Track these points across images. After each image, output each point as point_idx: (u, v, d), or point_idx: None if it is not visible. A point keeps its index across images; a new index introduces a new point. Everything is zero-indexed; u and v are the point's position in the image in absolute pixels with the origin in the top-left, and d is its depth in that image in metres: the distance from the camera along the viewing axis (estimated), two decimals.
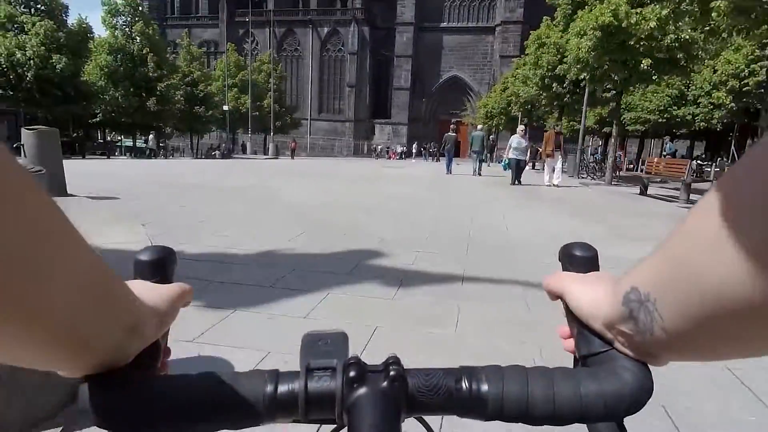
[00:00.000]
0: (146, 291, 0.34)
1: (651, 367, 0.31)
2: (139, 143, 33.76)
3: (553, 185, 12.85)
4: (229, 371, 0.32)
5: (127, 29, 29.62)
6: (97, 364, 0.29)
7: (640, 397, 0.30)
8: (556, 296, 0.38)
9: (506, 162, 14.47)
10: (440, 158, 35.66)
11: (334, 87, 60.21)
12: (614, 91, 15.97)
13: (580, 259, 0.39)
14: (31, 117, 21.22)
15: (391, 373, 0.31)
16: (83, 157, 25.97)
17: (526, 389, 0.30)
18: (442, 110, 59.44)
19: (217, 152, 31.02)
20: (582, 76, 15.30)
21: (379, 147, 53.99)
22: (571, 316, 0.36)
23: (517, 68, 30.31)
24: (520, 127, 15.12)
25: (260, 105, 43.67)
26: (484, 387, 0.31)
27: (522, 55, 30.68)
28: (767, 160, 0.19)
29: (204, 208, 7.00)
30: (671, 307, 0.25)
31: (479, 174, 16.69)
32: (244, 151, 42.28)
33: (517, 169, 13.61)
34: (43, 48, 24.40)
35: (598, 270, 0.39)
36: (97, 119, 29.57)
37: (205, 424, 0.30)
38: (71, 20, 27.76)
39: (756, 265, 0.19)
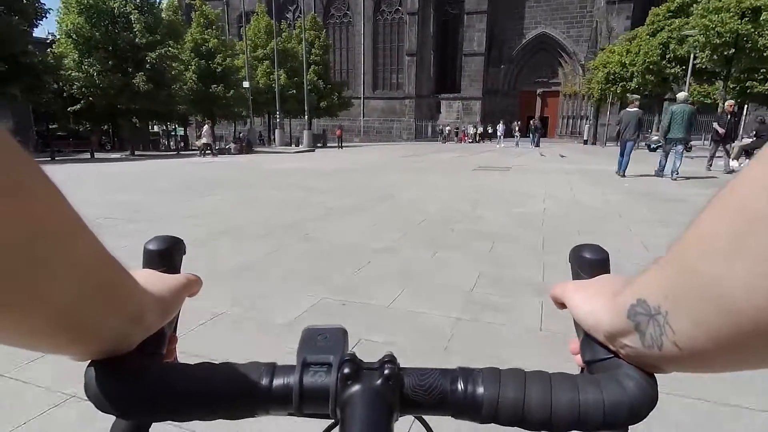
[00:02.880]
0: (151, 280, 0.34)
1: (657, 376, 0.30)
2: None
3: None
4: (228, 362, 0.33)
5: None
6: (101, 350, 0.29)
7: (642, 407, 0.29)
8: (561, 305, 0.37)
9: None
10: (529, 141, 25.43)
11: (390, 57, 50.31)
12: None
13: (588, 261, 0.38)
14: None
15: (386, 371, 0.31)
16: (52, 159, 18.70)
17: (523, 393, 0.30)
18: (526, 79, 47.70)
19: (232, 145, 22.60)
20: None
21: (447, 128, 43.68)
22: (577, 322, 0.35)
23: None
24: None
25: (299, 82, 35.12)
26: (480, 389, 0.31)
27: None
28: None
29: None
30: (685, 320, 0.24)
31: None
32: (263, 142, 33.94)
33: None
34: None
35: (608, 272, 0.37)
36: (79, 106, 22.10)
37: (201, 413, 0.31)
38: None
39: None
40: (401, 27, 48.47)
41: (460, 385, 0.31)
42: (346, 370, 0.31)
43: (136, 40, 21.51)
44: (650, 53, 19.95)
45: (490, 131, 42.80)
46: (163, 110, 24.57)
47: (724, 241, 0.20)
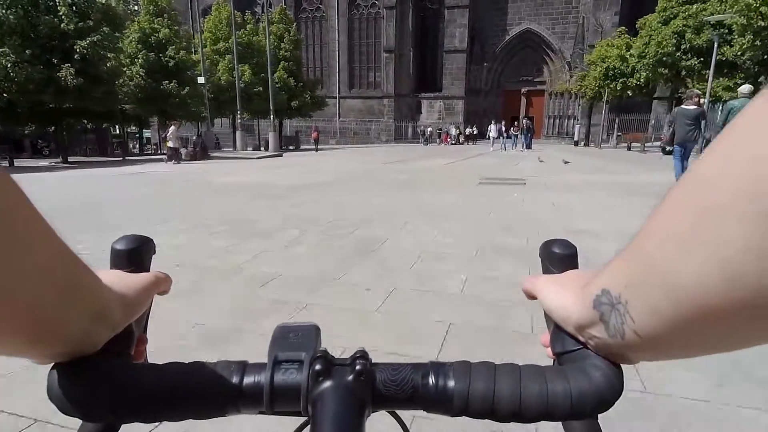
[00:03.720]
0: (116, 279, 0.34)
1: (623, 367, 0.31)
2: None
3: None
4: (198, 362, 0.32)
5: None
6: (64, 351, 0.29)
7: (607, 396, 0.30)
8: (531, 297, 0.38)
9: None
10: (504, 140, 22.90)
11: (367, 55, 47.39)
12: None
13: (558, 256, 0.39)
14: None
15: (357, 367, 0.31)
16: None
17: (493, 386, 0.31)
18: (509, 78, 45.49)
19: (183, 150, 19.24)
20: None
21: (429, 129, 41.01)
22: (548, 315, 0.36)
23: None
24: None
25: (267, 79, 31.82)
26: (451, 383, 0.31)
27: None
28: (742, 153, 0.18)
29: None
30: (643, 309, 0.24)
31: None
32: (219, 146, 30.69)
33: None
34: None
35: (576, 268, 0.38)
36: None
37: (170, 413, 0.30)
38: None
39: (730, 267, 0.18)
40: (378, 22, 45.60)
41: (431, 379, 0.31)
42: (318, 367, 0.30)
43: (62, 25, 17.93)
44: (664, 43, 17.65)
45: (475, 132, 40.34)
46: (102, 110, 20.94)
47: (677, 231, 0.20)
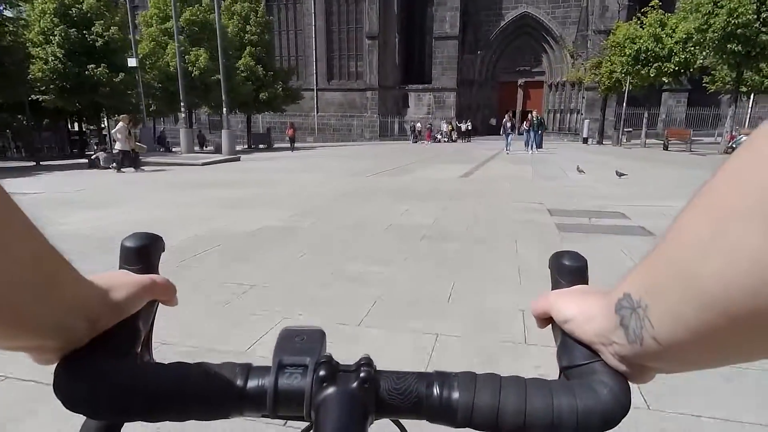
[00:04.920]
0: (108, 278, 0.34)
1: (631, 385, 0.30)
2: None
3: None
4: (202, 362, 0.32)
5: None
6: (44, 345, 0.29)
7: (614, 414, 0.29)
8: (544, 317, 0.36)
9: None
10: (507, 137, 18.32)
11: (348, 42, 42.54)
12: None
13: (568, 268, 0.38)
14: None
15: (362, 374, 0.31)
16: None
17: (498, 399, 0.30)
18: (506, 68, 41.27)
19: (101, 155, 14.29)
20: None
21: (418, 125, 36.51)
22: (557, 328, 0.35)
23: None
24: None
25: (232, 66, 26.84)
26: (455, 395, 0.31)
27: None
28: (762, 163, 0.18)
29: None
30: (663, 314, 0.24)
31: None
32: (163, 145, 25.72)
33: None
34: None
35: (586, 281, 0.38)
36: None
37: (172, 413, 0.30)
38: None
39: (756, 274, 0.18)
40: (359, 5, 40.74)
41: (436, 390, 0.31)
42: (322, 372, 0.30)
43: None
44: (741, 11, 13.51)
45: (470, 127, 36.01)
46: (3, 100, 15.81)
47: (701, 236, 0.20)
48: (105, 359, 0.31)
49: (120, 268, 0.38)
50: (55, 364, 0.30)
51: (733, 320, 0.20)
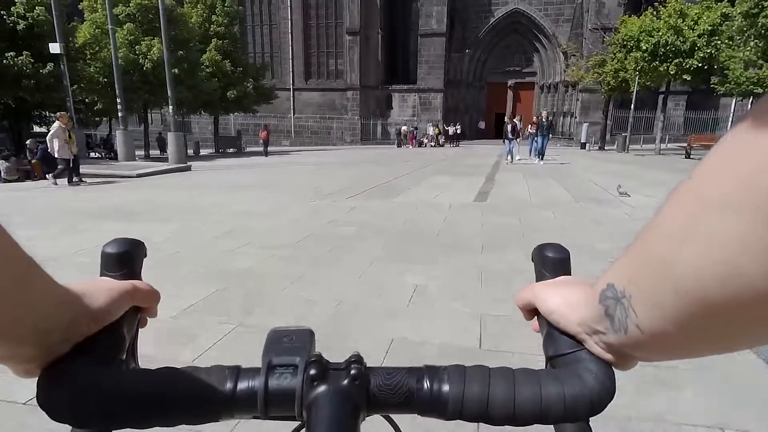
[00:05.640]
0: (85, 284, 0.33)
1: (615, 371, 0.31)
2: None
3: None
4: (190, 366, 0.32)
5: None
6: (16, 354, 0.29)
7: (600, 399, 0.30)
8: (530, 309, 0.37)
9: None
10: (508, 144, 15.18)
11: (327, 38, 39.58)
12: None
13: (552, 260, 0.39)
14: None
15: (352, 371, 0.31)
16: None
17: (487, 390, 0.31)
18: (495, 68, 38.93)
19: (3, 165, 10.99)
20: None
21: (404, 128, 33.78)
22: (542, 319, 0.36)
23: None
24: None
25: (195, 61, 23.58)
26: (445, 387, 0.31)
27: None
28: (739, 154, 0.18)
29: None
30: (645, 303, 0.24)
31: None
32: (107, 149, 22.56)
33: None
34: None
35: (569, 273, 0.38)
36: None
37: (161, 419, 0.30)
38: None
39: (727, 261, 0.18)
40: None
41: (426, 384, 0.31)
42: (312, 371, 0.30)
43: None
44: None
45: (458, 131, 33.45)
46: None
47: (677, 226, 0.21)
48: (88, 366, 0.30)
49: (101, 275, 0.38)
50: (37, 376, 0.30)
51: (708, 308, 0.20)
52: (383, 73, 38.48)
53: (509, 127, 14.97)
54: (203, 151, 30.68)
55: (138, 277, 0.39)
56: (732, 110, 15.74)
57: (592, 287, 0.30)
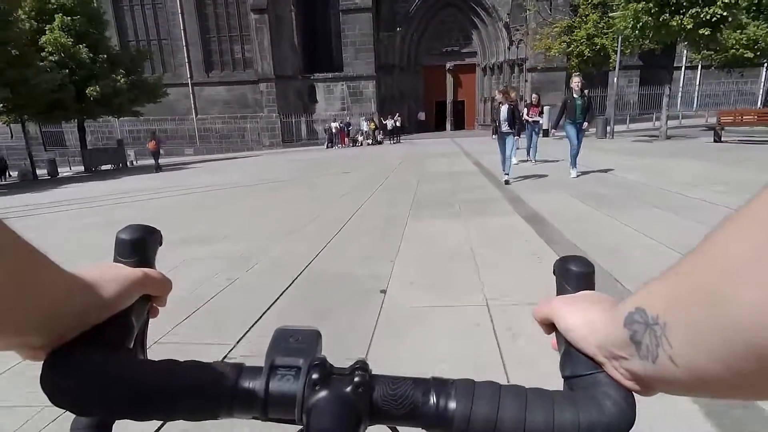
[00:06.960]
0: (95, 271, 0.33)
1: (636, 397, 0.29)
2: None
3: None
4: (193, 360, 0.32)
5: None
6: (23, 342, 0.29)
7: (619, 429, 0.28)
8: (548, 323, 0.36)
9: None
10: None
11: (228, 19, 32.48)
12: None
13: (575, 274, 0.37)
14: None
15: (356, 378, 0.30)
16: None
17: (496, 409, 0.29)
18: (430, 49, 34.08)
19: None
20: None
21: (334, 125, 27.89)
22: (560, 336, 0.34)
23: None
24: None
25: (19, 40, 16.08)
26: (452, 404, 0.30)
27: None
28: None
29: None
30: (685, 336, 0.23)
31: None
32: None
33: None
34: None
35: (593, 287, 0.37)
36: None
37: (160, 411, 0.30)
38: None
39: None
40: None
41: (432, 398, 0.30)
42: (315, 376, 0.30)
43: None
44: None
45: (398, 124, 28.17)
46: None
47: (738, 259, 0.19)
48: (93, 354, 0.30)
49: (114, 260, 0.37)
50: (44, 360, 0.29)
51: (761, 355, 0.19)
52: (302, 59, 32.19)
53: (504, 112, 7.92)
54: (67, 171, 22.89)
55: (151, 264, 0.38)
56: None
57: (616, 308, 0.29)
